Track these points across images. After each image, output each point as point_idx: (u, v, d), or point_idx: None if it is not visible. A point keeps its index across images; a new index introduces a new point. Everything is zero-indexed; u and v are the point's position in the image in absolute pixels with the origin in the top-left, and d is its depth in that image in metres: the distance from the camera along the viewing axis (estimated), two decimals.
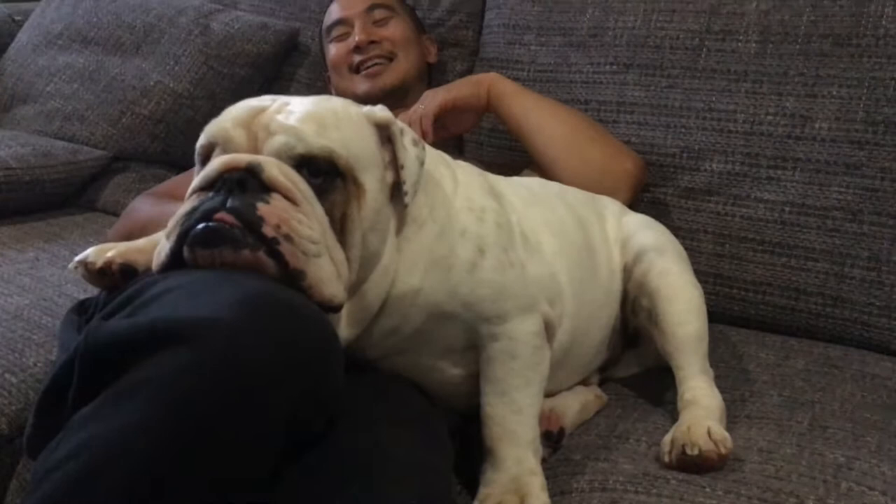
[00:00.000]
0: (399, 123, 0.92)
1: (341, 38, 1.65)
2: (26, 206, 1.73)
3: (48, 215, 1.74)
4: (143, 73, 1.88)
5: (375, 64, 1.61)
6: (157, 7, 1.96)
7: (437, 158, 1.01)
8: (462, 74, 1.78)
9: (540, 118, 1.42)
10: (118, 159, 1.87)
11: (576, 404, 1.12)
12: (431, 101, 1.40)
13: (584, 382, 1.19)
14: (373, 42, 1.61)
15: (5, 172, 1.66)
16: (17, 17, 2.16)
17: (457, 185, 0.99)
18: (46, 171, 1.73)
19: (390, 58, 1.62)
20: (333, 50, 1.66)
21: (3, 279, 1.37)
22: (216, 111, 0.91)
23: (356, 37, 1.61)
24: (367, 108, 0.93)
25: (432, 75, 1.76)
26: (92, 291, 1.10)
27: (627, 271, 1.20)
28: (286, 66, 1.96)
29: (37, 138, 1.82)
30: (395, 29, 1.65)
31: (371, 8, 1.65)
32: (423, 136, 1.34)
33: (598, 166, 1.37)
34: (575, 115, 1.45)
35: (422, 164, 0.93)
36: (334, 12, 1.69)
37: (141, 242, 0.95)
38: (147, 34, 1.92)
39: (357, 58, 1.61)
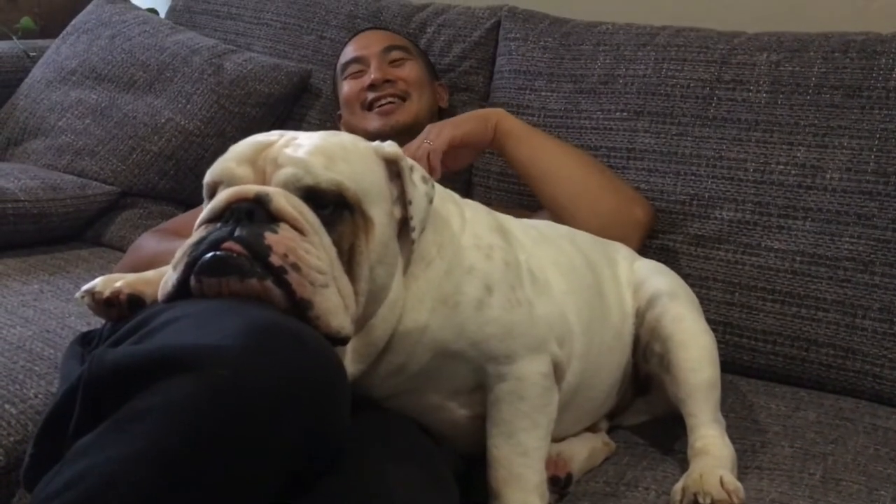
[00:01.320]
0: (408, 160, 0.92)
1: (356, 75, 1.67)
2: (33, 238, 1.73)
3: (54, 248, 1.73)
4: (154, 110, 1.89)
5: (389, 102, 1.62)
6: (171, 46, 1.97)
7: (445, 196, 1.00)
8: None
9: (549, 164, 1.40)
10: (127, 195, 1.87)
11: (584, 450, 1.10)
12: (439, 136, 1.36)
13: (593, 429, 1.17)
14: (388, 81, 1.62)
15: (14, 204, 1.66)
16: (32, 53, 2.18)
17: (465, 222, 0.99)
18: (54, 205, 1.73)
19: (403, 98, 1.63)
20: (347, 87, 1.68)
21: (7, 310, 1.36)
22: (226, 150, 0.91)
23: (371, 74, 1.63)
24: (376, 143, 0.93)
25: (443, 118, 1.76)
26: (95, 324, 1.09)
27: (640, 316, 1.19)
28: (297, 107, 1.97)
29: (46, 172, 1.83)
30: (411, 71, 1.66)
31: (388, 49, 1.67)
32: (431, 172, 1.31)
33: (608, 216, 1.36)
34: (584, 159, 1.44)
35: (430, 201, 0.92)
36: (350, 51, 1.71)
37: (149, 274, 0.95)
38: (160, 72, 1.94)
39: (371, 95, 1.62)
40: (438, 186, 0.98)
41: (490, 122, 1.41)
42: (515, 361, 0.95)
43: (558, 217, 1.38)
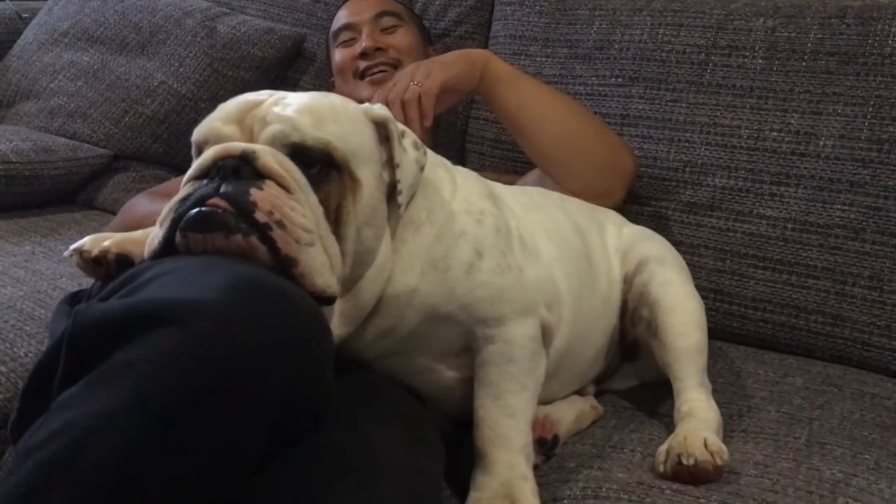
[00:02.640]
0: (399, 124, 0.92)
1: (348, 43, 1.65)
2: (25, 201, 1.73)
3: (46, 211, 1.73)
4: (147, 73, 1.88)
5: (380, 71, 1.60)
6: (163, 8, 1.96)
7: (436, 162, 1.00)
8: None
9: (538, 112, 1.33)
10: (119, 158, 1.86)
11: (571, 413, 1.10)
12: (430, 77, 1.27)
13: (581, 393, 1.18)
14: (379, 49, 1.61)
15: (5, 166, 1.65)
16: (24, 15, 2.16)
17: (456, 188, 0.99)
18: (46, 167, 1.72)
19: (395, 66, 1.61)
20: (339, 55, 1.66)
21: None
22: None
23: (363, 43, 1.61)
24: (366, 105, 0.93)
25: None
26: (87, 284, 1.09)
27: (628, 282, 1.19)
28: (291, 71, 1.95)
29: (38, 134, 1.82)
30: (403, 38, 1.64)
31: (379, 15, 1.65)
32: (424, 117, 1.25)
33: (598, 168, 1.34)
34: (573, 107, 1.39)
35: (422, 168, 0.92)
36: (342, 17, 1.69)
37: (137, 234, 0.95)
38: (153, 35, 1.92)
39: (362, 64, 1.61)
40: (430, 153, 0.98)
41: (477, 65, 1.33)
42: (504, 324, 0.96)
43: (547, 169, 1.35)
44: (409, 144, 0.91)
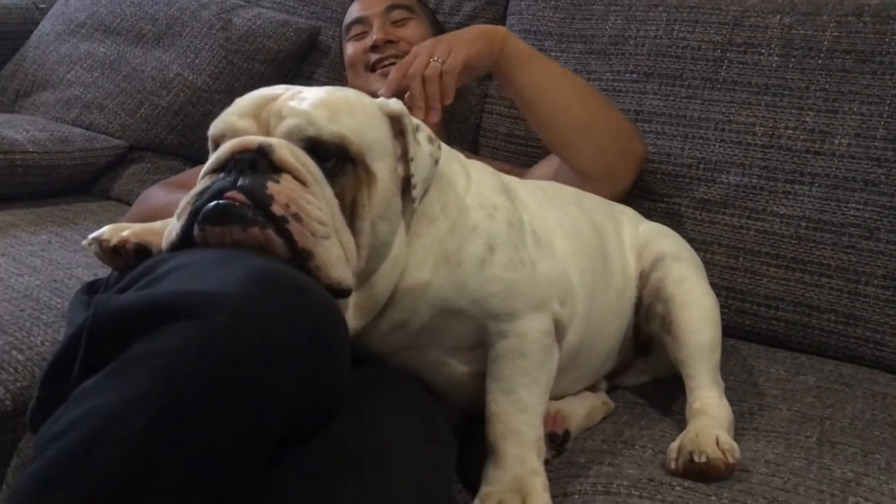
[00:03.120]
0: (413, 119, 0.92)
1: (359, 36, 1.66)
2: (41, 190, 1.74)
3: (62, 201, 1.75)
4: (163, 64, 1.89)
5: (391, 63, 1.59)
6: (179, 0, 1.96)
7: (450, 156, 1.00)
8: (479, 80, 1.77)
9: (554, 94, 1.33)
10: (134, 149, 1.88)
11: (582, 409, 1.11)
12: (452, 54, 1.24)
13: (592, 388, 1.18)
14: (389, 42, 1.61)
15: (22, 156, 1.67)
16: (41, 6, 2.17)
17: (469, 182, 0.99)
18: (62, 157, 1.73)
19: None
20: (351, 48, 1.67)
21: (15, 260, 1.38)
22: None
23: (373, 35, 1.61)
24: (381, 100, 0.93)
25: None
26: (102, 275, 1.10)
27: (643, 278, 1.19)
28: (305, 64, 1.96)
29: (55, 124, 1.83)
30: (414, 31, 1.64)
31: (391, 8, 1.65)
32: (445, 95, 1.22)
33: (611, 149, 1.34)
34: (589, 90, 1.39)
35: (436, 162, 0.92)
36: (354, 11, 1.70)
37: (156, 225, 0.95)
38: (169, 26, 1.93)
39: (373, 56, 1.61)
40: (444, 146, 0.98)
41: (496, 43, 1.31)
42: (517, 319, 0.96)
43: (558, 149, 1.35)
44: (423, 139, 0.92)
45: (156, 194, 1.38)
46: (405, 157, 0.90)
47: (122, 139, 1.86)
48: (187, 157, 1.90)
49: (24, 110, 1.96)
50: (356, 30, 1.67)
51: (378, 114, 0.91)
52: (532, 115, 1.38)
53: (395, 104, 0.92)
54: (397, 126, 0.91)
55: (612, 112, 1.40)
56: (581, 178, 1.31)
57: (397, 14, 1.65)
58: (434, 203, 0.94)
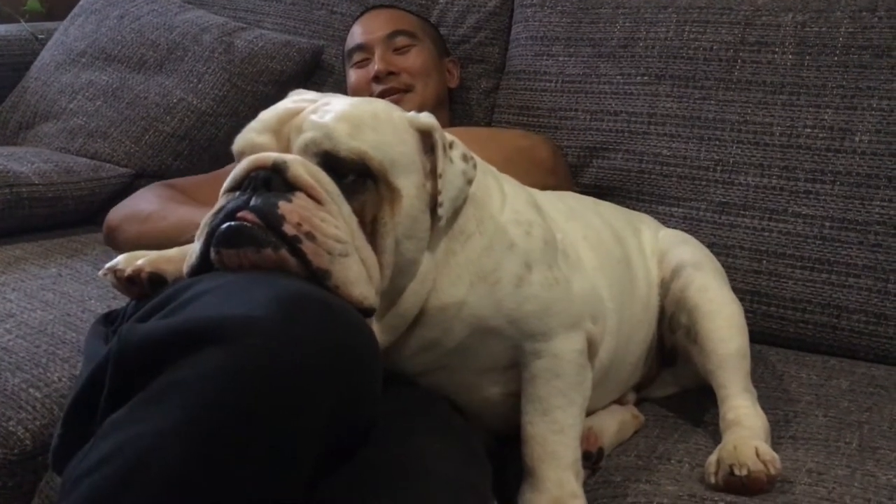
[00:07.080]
0: (446, 134, 0.90)
1: (361, 63, 1.64)
2: (48, 222, 1.72)
3: (70, 232, 1.72)
4: (166, 90, 1.87)
5: (394, 94, 1.58)
6: (180, 25, 1.95)
7: (485, 170, 0.98)
8: (487, 92, 1.76)
9: None
10: (140, 177, 1.85)
11: (613, 424, 1.08)
12: None
13: (620, 401, 1.16)
14: (391, 73, 1.59)
15: (28, 188, 1.65)
16: (40, 36, 2.16)
17: (504, 197, 0.97)
18: (69, 188, 1.71)
19: (407, 90, 1.59)
20: (353, 76, 1.65)
21: (27, 294, 1.35)
22: (239, 129, 0.89)
23: (375, 66, 1.59)
24: (412, 114, 0.90)
25: (455, 95, 1.74)
26: (116, 307, 1.08)
27: (665, 287, 1.16)
28: (310, 84, 1.94)
29: (60, 155, 1.81)
30: (416, 59, 1.62)
31: (392, 35, 1.63)
32: None
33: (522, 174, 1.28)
34: None
35: (469, 181, 0.90)
36: (356, 35, 1.67)
37: (171, 252, 0.93)
38: (170, 52, 1.91)
39: (376, 88, 1.59)
40: (481, 163, 0.95)
41: None
42: (552, 339, 0.93)
43: None
44: (456, 156, 0.89)
45: (149, 198, 1.34)
46: (434, 174, 0.88)
47: (128, 167, 1.84)
48: None
49: (27, 142, 1.94)
50: (358, 56, 1.65)
51: (406, 128, 0.88)
52: None
53: (427, 118, 0.89)
54: (428, 141, 0.89)
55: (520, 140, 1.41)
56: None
57: (400, 41, 1.63)
58: (470, 219, 0.92)
